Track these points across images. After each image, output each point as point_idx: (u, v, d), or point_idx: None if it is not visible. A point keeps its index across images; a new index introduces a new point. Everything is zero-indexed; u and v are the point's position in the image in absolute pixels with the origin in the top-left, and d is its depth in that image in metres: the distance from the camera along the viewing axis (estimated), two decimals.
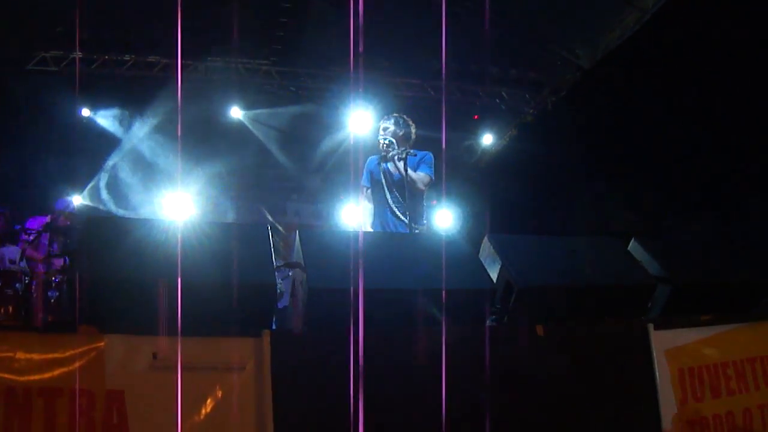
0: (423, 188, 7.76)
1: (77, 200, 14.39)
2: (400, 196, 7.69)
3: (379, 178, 7.84)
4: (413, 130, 7.99)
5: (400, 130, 7.86)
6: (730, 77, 10.42)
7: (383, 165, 7.87)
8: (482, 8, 13.08)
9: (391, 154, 7.77)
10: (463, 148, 17.44)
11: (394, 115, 8.09)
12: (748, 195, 10.50)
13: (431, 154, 7.91)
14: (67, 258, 8.57)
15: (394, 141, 7.81)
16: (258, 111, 15.84)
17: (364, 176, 8.01)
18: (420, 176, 7.69)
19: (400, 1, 12.99)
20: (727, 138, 10.75)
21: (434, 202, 17.51)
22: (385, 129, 7.90)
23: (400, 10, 13.13)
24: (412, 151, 7.66)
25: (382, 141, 7.86)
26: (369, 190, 7.94)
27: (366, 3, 12.77)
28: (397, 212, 7.69)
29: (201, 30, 12.93)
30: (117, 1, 12.24)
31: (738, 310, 5.79)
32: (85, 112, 14.84)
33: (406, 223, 7.54)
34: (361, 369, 4.27)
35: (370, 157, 8.08)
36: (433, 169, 7.88)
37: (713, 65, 10.61)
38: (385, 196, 7.75)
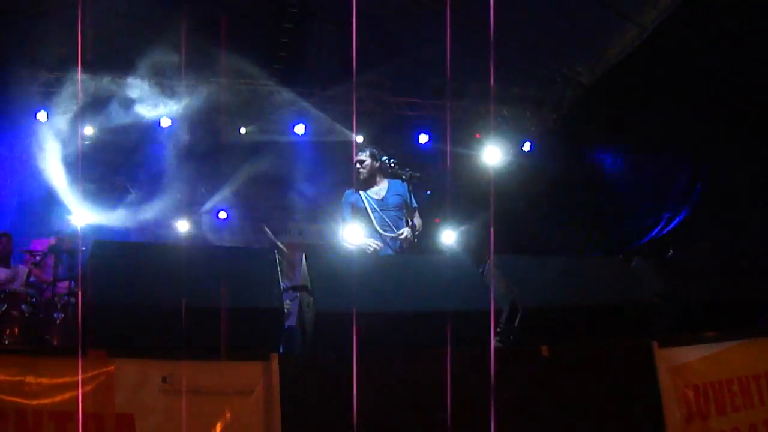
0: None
1: (82, 221, 14.42)
2: (387, 218, 7.80)
3: (362, 206, 7.93)
4: (388, 162, 8.12)
5: (377, 162, 8.03)
6: (731, 92, 10.46)
7: (363, 193, 7.99)
8: (483, 27, 13.14)
9: (394, 170, 7.91)
10: (465, 167, 17.47)
11: (367, 148, 8.31)
12: (751, 211, 10.52)
13: (405, 182, 8.03)
14: (72, 281, 8.60)
15: (372, 167, 8.02)
16: (260, 130, 15.88)
17: (345, 211, 8.11)
18: (418, 223, 7.98)
19: (401, 20, 13.05)
20: (730, 153, 10.78)
21: (437, 220, 17.57)
22: (361, 162, 8.07)
23: (401, 29, 13.20)
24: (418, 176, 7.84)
25: (360, 170, 8.03)
26: (351, 223, 8.03)
27: (368, 22, 12.86)
28: (385, 234, 7.78)
29: (204, 50, 13.00)
30: (119, 23, 12.30)
31: (742, 327, 5.81)
32: (88, 130, 14.85)
33: (393, 246, 7.67)
34: (359, 392, 4.30)
35: (346, 192, 8.18)
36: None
37: (713, 80, 10.65)
38: (370, 220, 7.85)
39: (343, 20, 13.03)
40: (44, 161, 13.80)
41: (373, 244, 7.69)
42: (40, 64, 13.33)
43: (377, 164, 8.07)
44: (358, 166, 8.10)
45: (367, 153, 8.16)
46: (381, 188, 8.03)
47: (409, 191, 7.93)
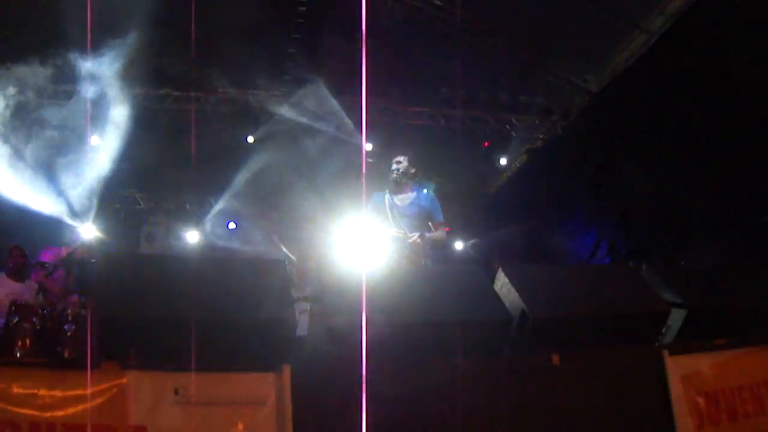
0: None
1: (91, 232, 14.43)
2: (403, 224, 7.79)
3: (384, 207, 7.94)
4: (417, 170, 8.16)
5: (412, 168, 8.04)
6: (738, 96, 10.45)
7: (389, 198, 7.99)
8: (491, 36, 13.16)
9: (405, 181, 7.93)
10: (474, 176, 17.49)
11: (406, 155, 8.31)
12: (760, 218, 10.49)
13: (433, 195, 8.07)
14: (84, 293, 8.61)
15: (408, 171, 8.02)
16: (268, 139, 15.86)
17: (369, 212, 8.09)
18: (439, 235, 7.97)
19: (409, 31, 13.07)
20: (738, 160, 10.76)
21: (447, 229, 17.55)
22: (398, 162, 8.06)
23: (409, 40, 13.22)
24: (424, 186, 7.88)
25: (396, 172, 8.02)
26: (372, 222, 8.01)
27: (376, 33, 12.87)
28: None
29: (212, 62, 13.04)
30: (129, 35, 12.34)
31: (752, 334, 5.79)
32: (95, 140, 14.84)
33: (401, 247, 7.67)
34: (371, 402, 4.32)
35: (375, 193, 8.19)
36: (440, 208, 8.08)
37: (721, 84, 10.64)
38: (388, 221, 7.84)
39: (351, 30, 13.08)
40: (55, 171, 13.84)
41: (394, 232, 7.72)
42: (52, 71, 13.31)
43: (413, 170, 8.08)
44: (395, 165, 8.10)
45: (406, 158, 8.18)
46: (407, 197, 8.04)
47: (435, 204, 8.01)
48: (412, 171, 8.07)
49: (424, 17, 12.98)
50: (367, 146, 15.37)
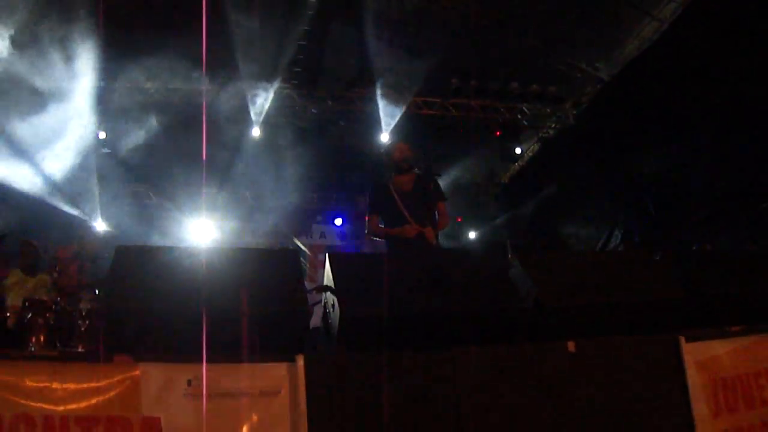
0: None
1: (100, 226, 14.48)
2: (417, 209, 7.69)
3: (391, 198, 7.77)
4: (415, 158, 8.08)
5: (412, 153, 7.95)
6: (750, 83, 10.40)
7: (391, 184, 7.86)
8: (501, 25, 13.13)
9: (419, 171, 7.84)
10: (486, 165, 17.48)
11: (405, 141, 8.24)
12: None
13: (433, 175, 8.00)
14: (96, 287, 8.63)
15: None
16: (278, 132, 15.85)
17: (372, 204, 7.92)
18: (445, 221, 7.92)
19: (418, 20, 13.06)
20: (751, 145, 10.70)
21: (459, 219, 17.56)
22: (401, 150, 7.94)
23: (418, 29, 13.20)
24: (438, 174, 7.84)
25: (406, 158, 7.90)
26: (379, 216, 7.85)
27: (386, 23, 12.82)
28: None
29: (222, 55, 13.03)
30: (137, 29, 12.35)
31: None
32: (101, 135, 14.87)
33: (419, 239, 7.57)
34: (385, 391, 4.30)
35: (372, 185, 8.05)
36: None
37: (732, 72, 10.59)
38: (401, 212, 7.69)
39: (361, 22, 13.06)
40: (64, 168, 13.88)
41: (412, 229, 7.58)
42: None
43: (412, 155, 7.95)
44: (405, 154, 7.95)
45: (409, 146, 8.07)
46: (409, 180, 7.89)
47: (436, 185, 7.90)
48: (411, 155, 7.94)
49: (435, 7, 12.96)
50: (384, 137, 15.36)
